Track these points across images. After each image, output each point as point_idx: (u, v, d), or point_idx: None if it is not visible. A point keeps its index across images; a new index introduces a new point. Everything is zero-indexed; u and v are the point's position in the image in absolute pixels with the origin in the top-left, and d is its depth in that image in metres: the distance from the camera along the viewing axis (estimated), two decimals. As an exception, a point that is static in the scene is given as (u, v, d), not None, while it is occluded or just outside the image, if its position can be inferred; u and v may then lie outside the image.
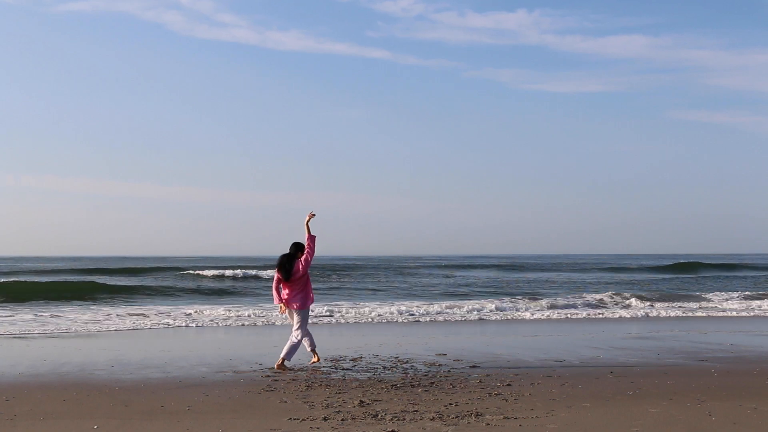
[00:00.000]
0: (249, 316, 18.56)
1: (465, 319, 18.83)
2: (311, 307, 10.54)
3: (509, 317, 19.55)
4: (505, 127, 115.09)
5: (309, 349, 10.11)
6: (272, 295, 10.29)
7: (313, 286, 10.81)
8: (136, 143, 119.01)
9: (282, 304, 10.14)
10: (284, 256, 10.19)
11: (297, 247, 10.21)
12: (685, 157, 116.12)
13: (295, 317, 10.08)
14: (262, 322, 17.53)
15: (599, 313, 20.77)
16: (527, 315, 19.98)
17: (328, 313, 19.08)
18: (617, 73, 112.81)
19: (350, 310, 19.93)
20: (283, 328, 16.44)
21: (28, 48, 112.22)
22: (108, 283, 33.28)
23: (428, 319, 18.67)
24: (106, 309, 20.75)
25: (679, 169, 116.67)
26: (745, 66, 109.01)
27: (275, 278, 10.21)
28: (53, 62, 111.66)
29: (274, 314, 18.07)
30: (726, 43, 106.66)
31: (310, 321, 10.59)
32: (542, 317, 19.58)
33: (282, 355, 9.91)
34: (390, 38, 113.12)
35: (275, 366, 9.87)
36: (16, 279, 35.23)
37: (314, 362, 10.10)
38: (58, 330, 15.50)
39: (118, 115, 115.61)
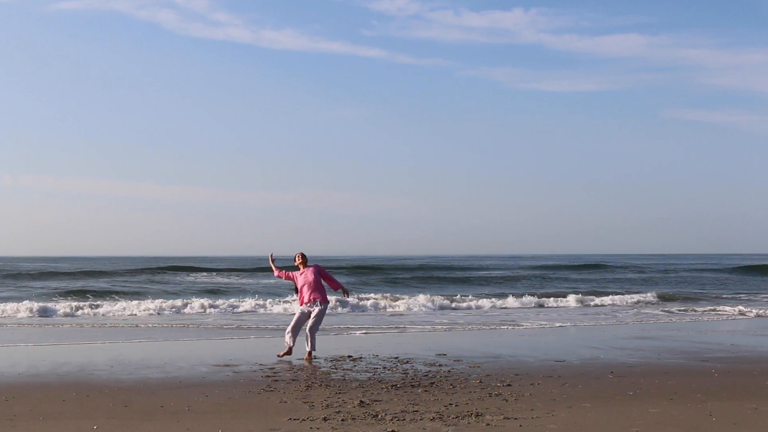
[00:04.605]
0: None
1: None
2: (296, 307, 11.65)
3: None
4: (502, 126, 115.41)
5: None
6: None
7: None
8: (135, 142, 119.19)
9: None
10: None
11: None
12: (681, 156, 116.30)
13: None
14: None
15: None
16: None
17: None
18: (613, 72, 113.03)
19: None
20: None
21: (25, 47, 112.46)
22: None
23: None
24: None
25: (676, 168, 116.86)
26: (741, 65, 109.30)
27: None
28: (50, 61, 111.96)
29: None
30: (722, 42, 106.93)
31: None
32: None
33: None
34: (385, 37, 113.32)
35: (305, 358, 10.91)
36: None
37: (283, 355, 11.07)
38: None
39: (116, 115, 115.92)
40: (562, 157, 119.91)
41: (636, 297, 27.64)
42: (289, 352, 11.01)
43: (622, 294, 28.97)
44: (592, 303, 25.96)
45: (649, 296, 27.96)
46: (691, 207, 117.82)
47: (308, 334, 11.04)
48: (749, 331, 15.98)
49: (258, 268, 51.74)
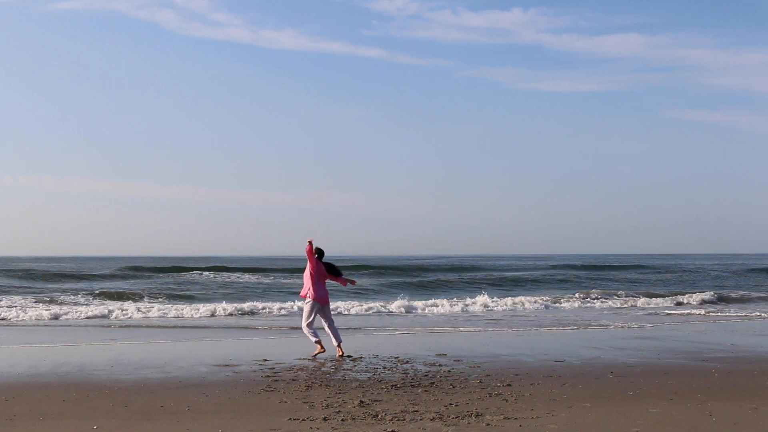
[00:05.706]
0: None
1: None
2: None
3: None
4: (502, 126, 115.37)
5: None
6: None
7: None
8: (135, 142, 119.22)
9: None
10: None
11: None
12: (681, 156, 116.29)
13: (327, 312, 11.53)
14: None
15: None
16: None
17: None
18: (613, 72, 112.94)
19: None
20: (284, 330, 16.47)
21: (25, 47, 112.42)
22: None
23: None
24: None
25: (676, 168, 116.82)
26: (741, 65, 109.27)
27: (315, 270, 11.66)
28: (50, 61, 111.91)
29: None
30: (722, 42, 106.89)
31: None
32: None
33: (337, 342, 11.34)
34: (385, 37, 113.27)
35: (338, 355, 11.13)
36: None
37: (320, 352, 11.21)
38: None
39: (116, 115, 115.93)
40: (562, 157, 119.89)
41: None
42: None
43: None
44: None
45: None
46: (691, 207, 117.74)
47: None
48: (749, 331, 15.98)
49: (274, 268, 51.83)
